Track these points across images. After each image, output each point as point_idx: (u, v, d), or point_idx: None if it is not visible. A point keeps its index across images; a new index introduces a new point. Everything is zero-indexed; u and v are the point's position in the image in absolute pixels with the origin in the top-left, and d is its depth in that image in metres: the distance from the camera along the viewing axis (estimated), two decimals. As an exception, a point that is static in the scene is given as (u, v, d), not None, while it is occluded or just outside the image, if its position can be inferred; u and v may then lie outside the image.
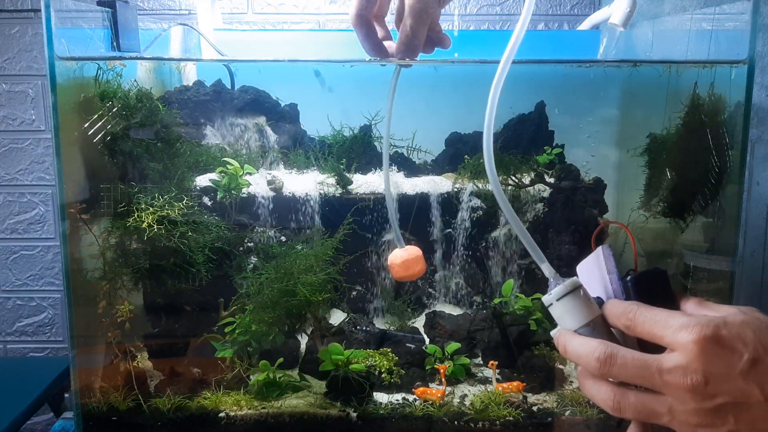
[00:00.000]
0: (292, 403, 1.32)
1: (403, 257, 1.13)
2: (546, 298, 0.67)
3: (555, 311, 0.67)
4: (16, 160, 1.95)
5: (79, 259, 1.33)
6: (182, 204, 1.36)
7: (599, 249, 0.71)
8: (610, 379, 0.63)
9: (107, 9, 1.33)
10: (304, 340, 1.48)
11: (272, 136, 1.63)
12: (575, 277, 0.67)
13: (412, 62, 0.94)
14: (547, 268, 0.69)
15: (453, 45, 1.66)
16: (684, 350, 0.57)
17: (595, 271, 0.69)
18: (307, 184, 1.56)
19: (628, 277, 0.67)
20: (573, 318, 0.66)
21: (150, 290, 1.42)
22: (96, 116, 1.30)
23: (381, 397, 1.35)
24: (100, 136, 1.31)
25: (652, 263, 1.58)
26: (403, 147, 1.66)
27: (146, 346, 1.46)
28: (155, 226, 1.30)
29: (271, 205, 1.53)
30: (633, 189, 1.56)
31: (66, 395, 1.77)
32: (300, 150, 1.62)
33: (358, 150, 1.61)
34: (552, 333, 0.69)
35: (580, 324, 0.65)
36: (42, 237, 1.99)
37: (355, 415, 1.30)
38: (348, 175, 1.55)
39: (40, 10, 1.14)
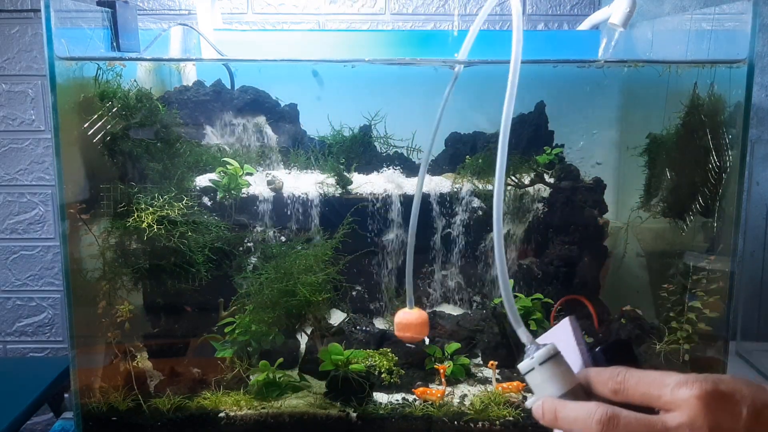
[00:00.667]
0: (292, 403, 1.32)
1: (409, 320, 1.17)
2: (525, 364, 0.64)
3: (534, 378, 0.64)
4: (15, 160, 1.95)
5: (78, 259, 1.33)
6: (182, 204, 1.36)
7: (566, 320, 0.70)
8: None
9: (107, 9, 1.33)
10: (303, 340, 1.48)
11: (272, 136, 1.63)
12: (552, 343, 0.64)
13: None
14: (524, 333, 0.66)
15: (453, 45, 1.66)
16: (686, 407, 0.57)
17: (561, 343, 0.67)
18: (307, 184, 1.56)
19: (597, 348, 0.67)
20: (555, 384, 0.63)
21: (150, 290, 1.42)
22: (96, 116, 1.30)
23: (381, 397, 1.35)
24: (100, 136, 1.31)
25: (653, 263, 1.58)
26: (403, 147, 1.66)
27: (146, 346, 1.46)
28: (155, 226, 1.30)
29: (270, 205, 1.53)
30: (633, 189, 1.56)
31: (66, 395, 1.77)
32: (300, 150, 1.62)
33: (357, 150, 1.62)
34: (529, 403, 0.66)
35: (562, 391, 0.63)
36: (42, 237, 1.99)
37: (354, 415, 1.30)
38: (347, 174, 1.55)
39: (39, 10, 1.15)
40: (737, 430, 0.56)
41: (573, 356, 0.66)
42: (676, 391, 0.57)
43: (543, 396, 0.63)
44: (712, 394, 0.57)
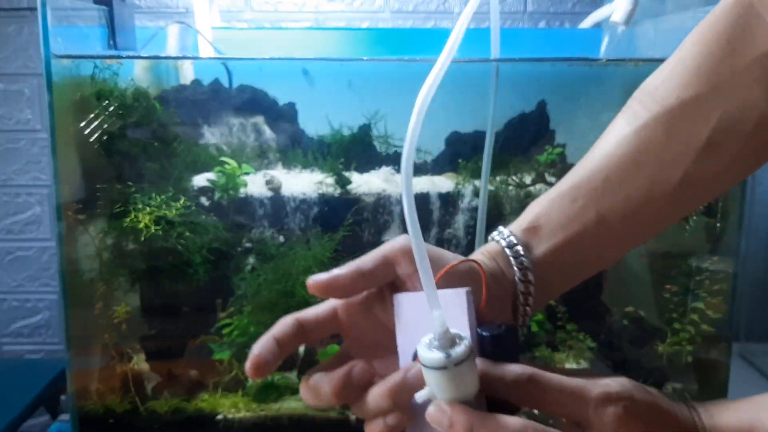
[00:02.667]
0: (291, 405, 1.31)
1: None
2: (434, 358, 0.50)
3: (439, 377, 0.50)
4: (11, 159, 1.93)
5: (75, 260, 1.32)
6: (179, 204, 1.35)
7: (463, 292, 0.55)
8: None
9: (104, 7, 1.32)
10: (302, 342, 1.47)
11: (270, 136, 1.61)
12: (469, 340, 0.52)
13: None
14: (439, 319, 0.51)
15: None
16: (611, 427, 0.52)
17: (448, 315, 0.53)
18: (306, 183, 1.54)
19: (487, 334, 0.55)
20: (460, 388, 0.51)
21: (147, 291, 1.40)
22: (92, 115, 1.29)
23: (381, 399, 1.34)
24: (96, 135, 1.30)
25: (654, 264, 1.57)
26: (402, 147, 1.65)
27: (143, 348, 1.44)
28: (152, 227, 1.29)
29: (269, 205, 1.51)
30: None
31: (62, 397, 1.76)
32: (298, 149, 1.61)
33: (357, 150, 1.60)
34: (420, 397, 0.52)
35: (467, 396, 0.51)
36: (38, 238, 1.97)
37: (354, 417, 1.29)
38: (347, 174, 1.54)
39: (36, 9, 1.13)
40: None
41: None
42: (600, 410, 0.52)
43: (442, 398, 0.51)
44: (637, 411, 0.53)
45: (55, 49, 1.16)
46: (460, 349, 0.50)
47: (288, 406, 1.31)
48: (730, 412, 0.56)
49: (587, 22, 1.64)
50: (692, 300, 1.35)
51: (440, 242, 1.60)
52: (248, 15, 1.86)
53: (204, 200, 1.47)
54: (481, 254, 0.65)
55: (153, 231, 1.29)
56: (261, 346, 0.57)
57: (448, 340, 0.50)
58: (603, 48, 1.56)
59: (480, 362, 0.53)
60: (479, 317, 0.57)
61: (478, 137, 1.66)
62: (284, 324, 0.60)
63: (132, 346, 1.41)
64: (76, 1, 1.29)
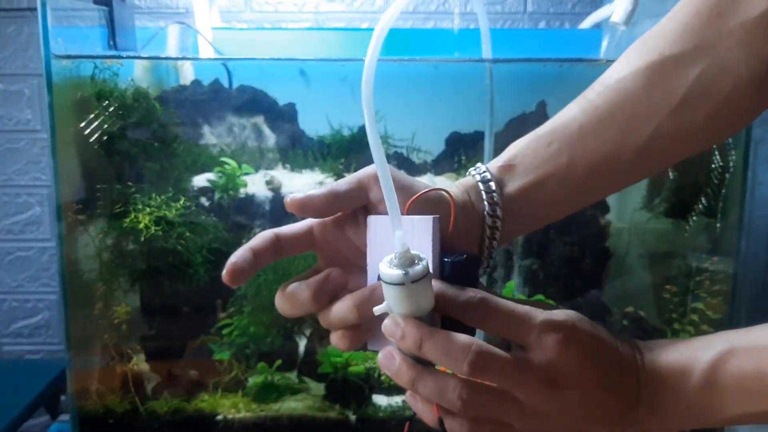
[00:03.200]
0: (291, 405, 1.31)
1: None
2: (392, 275, 0.53)
3: (396, 292, 0.53)
4: (11, 160, 1.93)
5: (75, 261, 1.32)
6: (179, 204, 1.35)
7: (429, 219, 0.59)
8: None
9: (104, 7, 1.33)
10: (302, 342, 1.47)
11: (270, 136, 1.62)
12: (426, 260, 0.55)
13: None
14: (400, 239, 0.54)
15: (453, 44, 1.65)
16: (551, 351, 0.55)
17: (412, 239, 0.58)
18: (306, 184, 1.55)
19: (448, 259, 0.58)
20: (415, 304, 0.54)
21: (147, 292, 1.40)
22: (92, 116, 1.29)
23: (381, 399, 1.34)
24: (96, 135, 1.30)
25: (654, 264, 1.57)
26: (402, 147, 1.65)
27: (143, 348, 1.44)
28: (152, 227, 1.29)
29: (269, 206, 1.51)
30: (634, 189, 1.55)
31: (62, 397, 1.76)
32: (299, 150, 1.61)
33: (357, 150, 1.60)
34: (378, 310, 0.56)
35: (420, 312, 0.54)
36: (38, 238, 1.97)
37: (354, 417, 1.29)
38: (347, 174, 1.54)
39: (36, 9, 1.13)
40: (592, 377, 0.56)
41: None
42: (542, 336, 0.55)
43: (398, 312, 0.55)
44: (577, 340, 0.55)
45: (55, 50, 1.16)
46: (418, 269, 0.53)
47: (288, 406, 1.31)
48: (669, 351, 0.59)
49: (587, 23, 1.64)
50: (692, 300, 1.35)
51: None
52: (248, 15, 1.86)
53: (204, 200, 1.47)
54: (455, 187, 0.68)
55: (153, 231, 1.29)
56: (237, 255, 0.60)
57: (408, 260, 0.54)
58: (603, 48, 1.56)
59: (437, 283, 0.57)
60: (446, 245, 0.61)
61: (478, 137, 1.67)
62: (262, 236, 0.63)
63: (132, 346, 1.41)
64: (76, 1, 1.29)
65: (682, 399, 0.57)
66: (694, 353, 0.58)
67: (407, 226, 0.57)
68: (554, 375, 0.55)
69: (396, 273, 0.53)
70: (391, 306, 0.55)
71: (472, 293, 0.56)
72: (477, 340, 0.54)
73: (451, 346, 0.53)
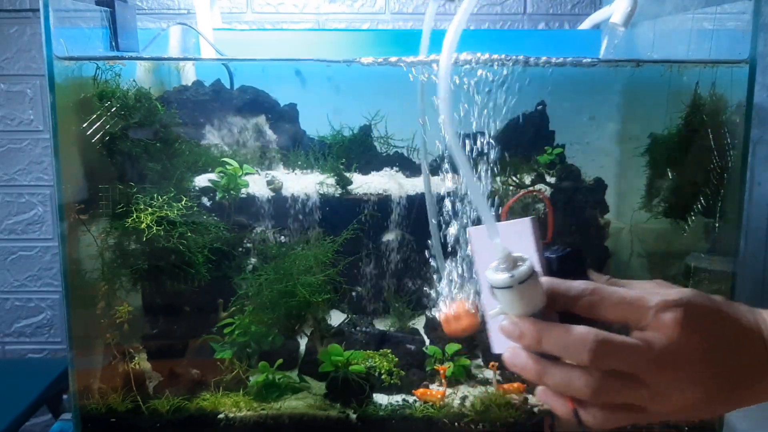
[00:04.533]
0: (292, 404, 1.32)
1: (459, 311, 1.16)
2: (501, 279, 0.57)
3: (507, 295, 0.57)
4: (14, 160, 1.94)
5: (77, 260, 1.33)
6: (181, 204, 1.35)
7: (528, 221, 0.63)
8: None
9: (106, 8, 1.33)
10: (303, 341, 1.48)
11: (271, 136, 1.62)
12: (530, 261, 0.58)
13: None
14: (499, 246, 0.58)
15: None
16: (670, 330, 0.56)
17: (515, 242, 0.61)
18: (307, 184, 1.55)
19: (553, 255, 0.62)
20: (528, 303, 0.58)
21: (149, 291, 1.41)
22: (95, 116, 1.29)
23: (381, 398, 1.34)
24: (98, 136, 1.31)
25: (653, 264, 1.58)
26: (403, 147, 1.66)
27: (145, 347, 1.45)
28: (154, 227, 1.30)
29: (270, 206, 1.52)
30: (634, 189, 1.55)
31: (64, 396, 1.76)
32: (299, 150, 1.62)
33: (357, 150, 1.61)
34: (493, 314, 0.60)
35: (534, 310, 0.58)
36: (40, 238, 1.98)
37: (354, 416, 1.29)
38: (348, 175, 1.54)
39: (38, 10, 1.14)
40: (717, 351, 0.57)
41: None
42: (660, 315, 0.56)
43: (513, 313, 0.58)
44: (695, 316, 0.56)
45: (57, 51, 1.17)
46: (522, 269, 0.57)
47: (289, 405, 1.31)
48: None
49: (587, 24, 1.65)
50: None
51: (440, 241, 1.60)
52: (249, 17, 1.87)
53: (206, 200, 1.47)
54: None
55: (155, 231, 1.30)
56: None
57: (512, 263, 0.58)
58: (602, 49, 1.57)
59: (546, 280, 0.60)
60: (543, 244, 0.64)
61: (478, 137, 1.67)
62: None
63: (134, 345, 1.42)
64: (78, 2, 1.29)
65: None
66: None
67: (506, 232, 0.60)
68: (677, 353, 0.55)
69: (502, 277, 0.57)
70: (505, 309, 0.58)
71: (582, 284, 0.58)
72: (595, 329, 0.55)
73: (570, 338, 0.55)
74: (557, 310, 0.59)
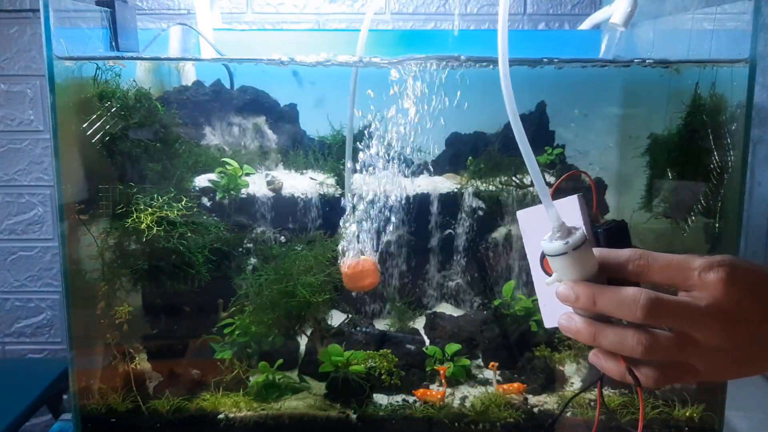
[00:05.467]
0: (292, 404, 1.32)
1: (364, 268, 1.16)
2: (555, 246, 0.61)
3: (560, 261, 0.62)
4: (14, 160, 1.94)
5: (77, 260, 1.33)
6: (181, 205, 1.35)
7: (575, 197, 0.67)
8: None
9: (106, 9, 1.33)
10: (303, 342, 1.48)
11: (271, 137, 1.62)
12: (582, 228, 0.63)
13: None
14: (554, 214, 0.62)
15: (453, 45, 1.65)
16: (714, 289, 0.59)
17: (565, 218, 0.64)
18: (307, 184, 1.55)
19: (600, 229, 0.66)
20: (581, 269, 0.62)
21: (149, 291, 1.41)
22: (95, 116, 1.29)
23: (381, 398, 1.34)
24: (98, 136, 1.31)
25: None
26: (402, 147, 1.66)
27: (145, 348, 1.45)
28: (154, 227, 1.30)
29: (270, 206, 1.52)
30: (634, 189, 1.55)
31: (64, 396, 1.76)
32: (299, 150, 1.62)
33: (357, 150, 1.61)
34: (549, 281, 0.64)
35: (587, 275, 0.62)
36: (40, 238, 1.98)
37: (355, 416, 1.29)
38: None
39: (38, 10, 1.14)
40: (758, 310, 0.59)
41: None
42: (704, 275, 0.59)
43: (567, 278, 0.62)
44: (738, 276, 0.59)
45: (57, 51, 1.17)
46: (577, 236, 0.61)
47: (289, 405, 1.31)
48: None
49: (587, 24, 1.65)
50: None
51: (441, 240, 1.60)
52: (249, 17, 1.87)
53: (206, 201, 1.47)
54: None
55: (155, 231, 1.30)
56: None
57: (565, 231, 0.61)
58: (602, 49, 1.57)
59: (597, 250, 0.64)
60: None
61: (478, 138, 1.67)
62: None
63: (134, 345, 1.42)
64: (78, 3, 1.29)
65: None
66: None
67: (557, 208, 0.64)
68: (722, 310, 0.58)
69: (558, 244, 0.61)
70: (560, 276, 0.63)
71: (630, 251, 0.62)
72: (645, 289, 0.59)
73: (623, 297, 0.59)
74: (607, 278, 0.63)
